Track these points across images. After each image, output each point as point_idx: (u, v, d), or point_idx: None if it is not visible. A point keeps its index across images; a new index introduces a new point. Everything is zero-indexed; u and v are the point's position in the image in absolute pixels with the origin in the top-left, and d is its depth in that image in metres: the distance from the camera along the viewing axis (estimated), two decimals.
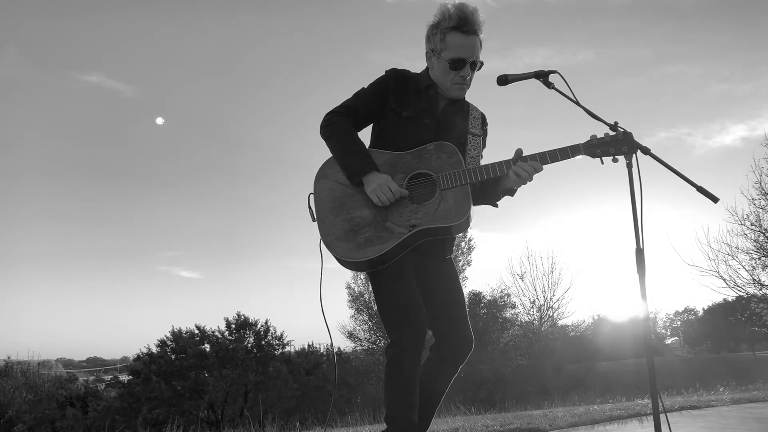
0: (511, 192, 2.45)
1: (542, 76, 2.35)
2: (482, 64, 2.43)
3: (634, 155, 2.21)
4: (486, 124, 2.60)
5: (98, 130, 64.88)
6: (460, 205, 2.29)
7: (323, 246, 2.35)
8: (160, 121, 59.54)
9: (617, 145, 2.24)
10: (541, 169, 2.32)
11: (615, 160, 2.25)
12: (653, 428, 2.11)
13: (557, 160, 2.32)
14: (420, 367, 2.31)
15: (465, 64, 2.37)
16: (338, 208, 2.36)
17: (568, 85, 2.33)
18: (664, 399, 6.09)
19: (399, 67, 2.49)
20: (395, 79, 2.45)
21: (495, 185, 2.44)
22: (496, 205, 2.54)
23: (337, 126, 2.39)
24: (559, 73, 2.34)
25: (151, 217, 61.69)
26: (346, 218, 2.33)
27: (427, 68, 2.49)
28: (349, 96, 2.47)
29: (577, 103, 2.33)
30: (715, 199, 2.15)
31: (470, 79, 2.44)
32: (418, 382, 2.29)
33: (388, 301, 2.34)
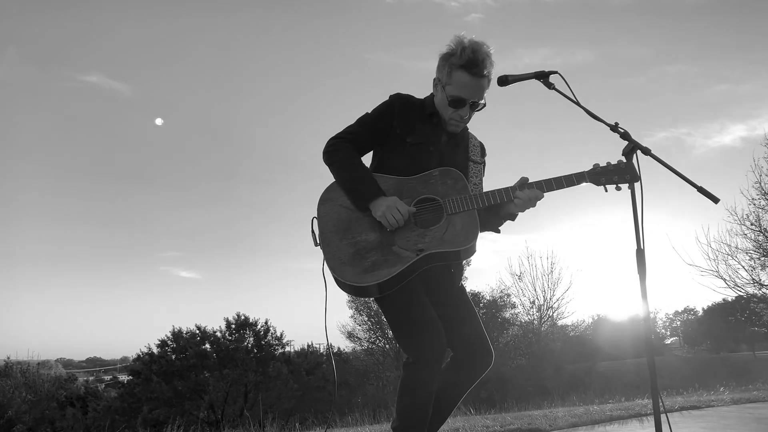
0: (513, 217, 2.47)
1: (543, 76, 2.35)
2: (484, 105, 2.40)
3: (634, 155, 2.22)
4: (485, 155, 2.62)
5: (98, 130, 64.90)
6: (469, 230, 2.28)
7: (327, 270, 2.31)
8: (159, 121, 59.58)
9: (620, 173, 2.27)
10: (542, 196, 2.33)
11: (618, 189, 2.28)
12: (654, 428, 2.10)
13: (562, 188, 2.34)
14: (437, 381, 2.26)
15: (465, 105, 2.36)
16: (343, 231, 2.32)
17: (568, 86, 2.33)
18: (664, 399, 6.09)
19: (403, 92, 2.47)
20: (400, 104, 2.43)
21: (497, 211, 2.44)
22: (498, 231, 2.55)
23: (341, 152, 2.36)
24: (559, 74, 2.33)
25: (151, 218, 61.74)
26: (351, 242, 2.30)
27: (432, 94, 2.48)
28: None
29: (577, 103, 2.32)
30: (715, 200, 2.14)
31: (468, 118, 2.43)
32: (433, 397, 2.26)
33: (401, 319, 2.30)
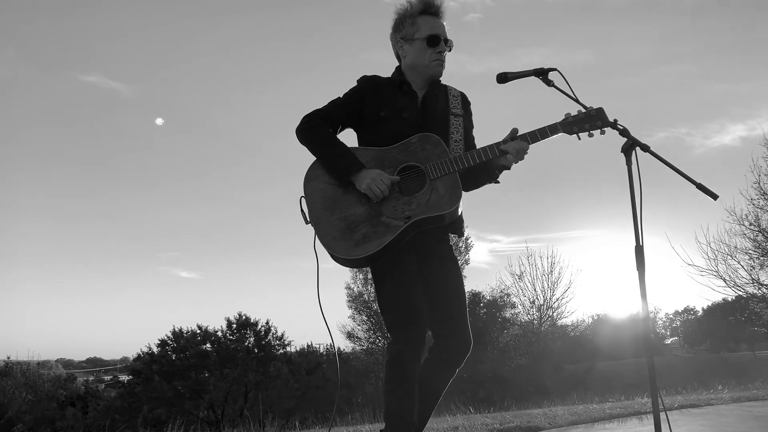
0: (507, 167, 2.46)
1: (542, 73, 2.36)
2: (452, 43, 2.51)
3: (633, 152, 2.22)
4: (468, 104, 2.63)
5: (98, 130, 64.86)
6: (452, 192, 2.32)
7: (320, 246, 2.36)
8: (159, 121, 59.57)
9: (591, 120, 2.32)
10: (527, 147, 2.36)
11: (591, 135, 2.33)
12: (653, 426, 2.11)
13: (537, 140, 2.37)
14: (420, 366, 2.32)
15: (440, 40, 2.45)
16: (331, 208, 2.37)
17: (567, 83, 2.34)
18: (664, 398, 6.10)
19: (370, 74, 2.55)
20: (368, 82, 2.52)
21: (488, 166, 2.44)
22: (498, 181, 2.55)
23: (317, 129, 2.42)
24: (558, 71, 2.34)
25: (151, 218, 61.66)
26: (340, 217, 2.35)
27: (397, 68, 2.55)
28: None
29: (576, 100, 2.33)
30: (714, 196, 2.15)
31: (445, 56, 2.50)
32: (417, 381, 2.31)
33: (390, 301, 2.36)
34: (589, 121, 2.31)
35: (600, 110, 2.31)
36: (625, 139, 2.24)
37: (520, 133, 2.37)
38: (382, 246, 2.27)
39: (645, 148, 2.20)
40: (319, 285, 2.50)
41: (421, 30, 2.43)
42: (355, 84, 2.53)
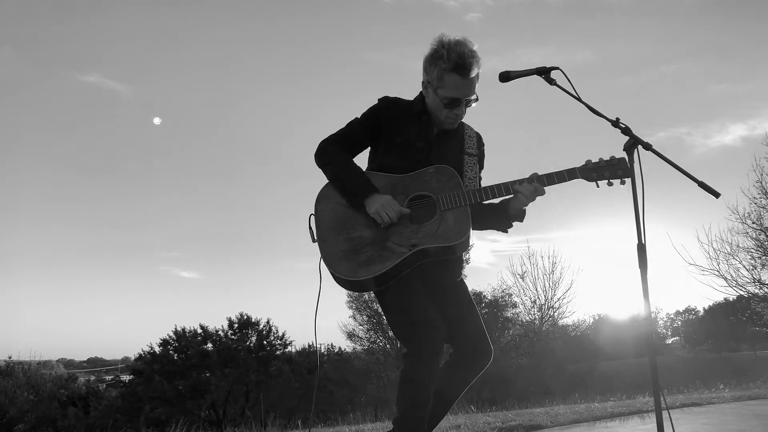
0: (521, 217, 2.47)
1: (544, 72, 2.36)
2: (477, 99, 2.44)
3: (635, 150, 2.22)
4: (482, 145, 2.64)
5: (98, 129, 64.98)
6: (460, 225, 2.32)
7: (323, 265, 2.36)
8: (157, 121, 59.62)
9: (612, 169, 2.31)
10: (543, 191, 2.36)
11: (610, 184, 2.32)
12: (655, 425, 2.11)
13: (554, 183, 2.37)
14: (436, 373, 2.30)
15: (460, 104, 2.41)
16: (340, 228, 2.38)
17: (569, 82, 2.34)
18: (666, 397, 6.10)
19: (391, 95, 2.53)
20: (387, 106, 2.50)
21: (504, 210, 2.46)
22: (506, 231, 2.56)
23: (334, 153, 2.44)
24: (560, 70, 2.34)
25: (152, 218, 61.81)
26: (347, 238, 2.35)
27: (421, 93, 2.52)
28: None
29: (579, 99, 2.33)
30: (716, 194, 2.15)
31: (464, 114, 2.47)
32: (431, 390, 2.30)
33: (399, 313, 2.35)
34: (610, 169, 2.31)
35: (622, 160, 2.30)
36: (627, 138, 2.25)
37: (538, 175, 2.37)
38: (385, 270, 2.27)
39: (647, 147, 2.20)
40: (318, 304, 2.50)
41: (445, 89, 2.37)
42: (375, 102, 2.52)
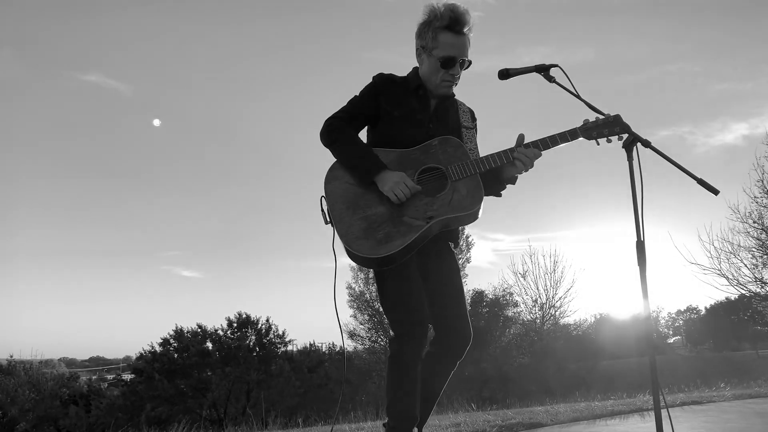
0: (513, 180, 2.51)
1: (543, 69, 2.37)
2: (470, 63, 2.48)
3: (634, 147, 2.23)
4: (475, 119, 2.66)
5: (98, 129, 65.07)
6: (474, 193, 2.35)
7: (341, 245, 2.36)
8: (156, 122, 59.65)
9: (610, 126, 2.35)
10: (541, 155, 2.39)
11: (609, 141, 2.36)
12: (655, 423, 2.11)
13: (557, 144, 2.40)
14: (421, 361, 2.36)
15: (455, 63, 2.42)
16: (353, 207, 2.37)
17: (569, 79, 2.35)
18: (666, 395, 6.10)
19: (386, 72, 2.54)
20: (383, 82, 2.51)
21: (498, 175, 2.48)
22: (500, 195, 2.59)
23: (340, 131, 2.43)
24: (560, 67, 2.36)
25: (152, 217, 61.86)
26: (362, 217, 2.35)
27: (415, 68, 2.55)
28: (345, 100, 2.52)
29: (578, 96, 2.34)
30: (715, 192, 2.15)
31: (458, 78, 2.49)
32: (419, 377, 2.34)
33: (392, 298, 2.38)
34: (608, 126, 2.35)
35: (617, 117, 2.34)
36: (626, 135, 2.26)
37: (543, 138, 2.39)
38: (405, 245, 2.28)
39: (646, 144, 2.21)
40: (336, 284, 2.52)
41: (440, 48, 2.39)
42: (370, 81, 2.52)
